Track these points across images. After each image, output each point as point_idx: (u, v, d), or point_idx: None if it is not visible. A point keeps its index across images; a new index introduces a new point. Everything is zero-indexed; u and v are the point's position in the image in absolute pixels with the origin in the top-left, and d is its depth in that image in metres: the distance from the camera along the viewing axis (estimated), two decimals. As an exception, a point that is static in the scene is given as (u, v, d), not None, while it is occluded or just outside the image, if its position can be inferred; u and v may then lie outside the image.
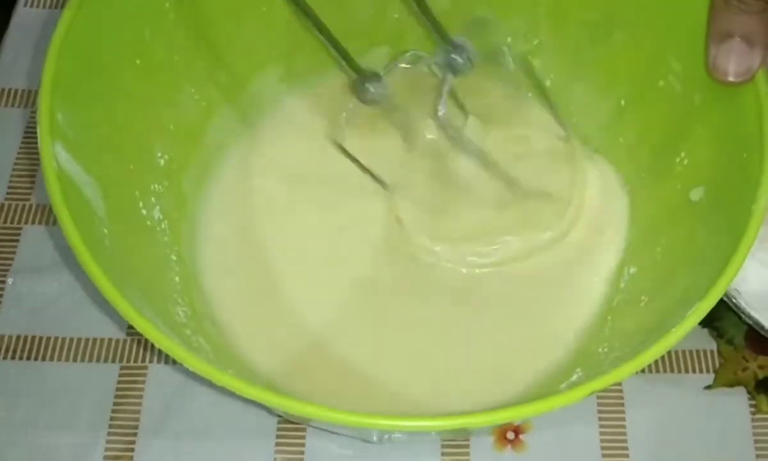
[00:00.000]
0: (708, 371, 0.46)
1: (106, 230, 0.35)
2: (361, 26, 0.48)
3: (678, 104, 0.42)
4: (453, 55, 0.43)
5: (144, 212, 0.40)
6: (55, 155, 0.32)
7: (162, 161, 0.43)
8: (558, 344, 0.44)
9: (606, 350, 0.39)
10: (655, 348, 0.30)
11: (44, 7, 0.58)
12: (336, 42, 0.40)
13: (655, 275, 0.41)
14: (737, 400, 0.45)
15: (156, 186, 0.42)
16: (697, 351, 0.47)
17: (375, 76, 0.43)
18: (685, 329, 0.31)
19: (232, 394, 0.43)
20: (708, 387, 0.45)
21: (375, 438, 0.40)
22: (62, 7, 0.56)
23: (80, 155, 0.34)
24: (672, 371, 0.46)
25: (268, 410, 0.44)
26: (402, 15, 0.49)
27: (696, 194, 0.40)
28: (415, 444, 0.44)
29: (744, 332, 0.46)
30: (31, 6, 0.58)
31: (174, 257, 0.42)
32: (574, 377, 0.39)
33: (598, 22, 0.45)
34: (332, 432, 0.43)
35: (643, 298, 0.40)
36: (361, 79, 0.43)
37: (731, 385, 0.45)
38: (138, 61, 0.40)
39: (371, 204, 0.48)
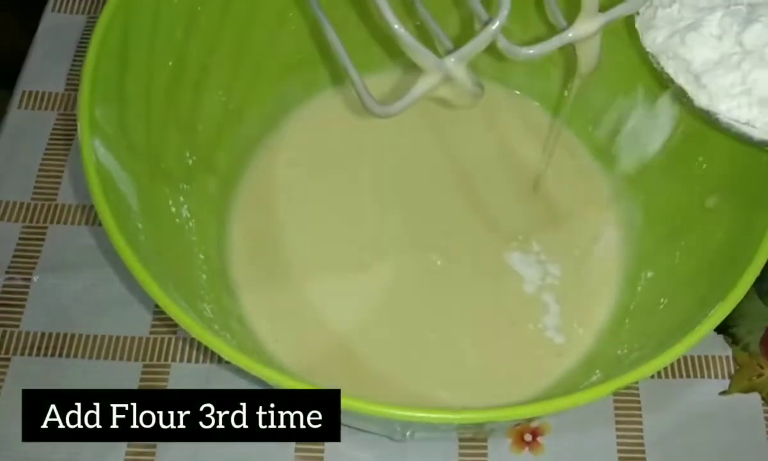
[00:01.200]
0: (723, 377, 0.46)
1: (140, 226, 0.35)
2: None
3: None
4: None
5: (173, 210, 0.41)
6: (95, 150, 0.33)
7: (191, 161, 0.44)
8: (577, 346, 0.44)
9: (625, 351, 0.40)
10: (676, 348, 0.31)
11: (72, 12, 0.59)
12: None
13: (675, 279, 0.41)
14: (752, 406, 0.45)
15: (184, 185, 0.43)
16: (713, 357, 0.47)
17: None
18: (706, 328, 0.31)
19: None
20: (723, 393, 0.46)
21: (399, 431, 0.40)
22: (89, 12, 0.58)
23: (117, 150, 0.35)
24: (688, 376, 0.46)
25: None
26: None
27: (713, 199, 0.40)
28: (433, 442, 0.44)
29: (759, 339, 0.47)
30: (59, 11, 0.59)
31: (202, 256, 0.43)
32: (594, 378, 0.40)
33: (616, 25, 0.46)
34: (355, 430, 0.43)
35: (662, 301, 0.41)
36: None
37: (746, 391, 0.46)
38: (170, 62, 0.41)
39: (395, 199, 0.49)
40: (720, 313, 0.32)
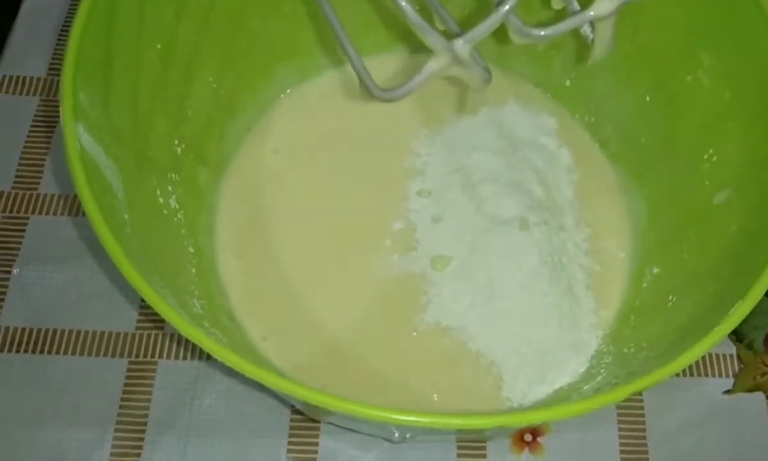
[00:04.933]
0: (728, 375, 0.46)
1: (126, 216, 0.34)
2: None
3: (707, 100, 0.41)
4: None
5: (161, 200, 0.40)
6: (78, 136, 0.32)
7: (179, 150, 0.42)
8: (578, 347, 0.43)
9: (632, 350, 0.39)
10: (695, 349, 0.30)
11: (54, -6, 0.57)
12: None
13: (684, 275, 0.40)
14: (757, 405, 0.45)
15: (172, 175, 0.41)
16: (717, 356, 0.46)
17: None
18: (727, 328, 0.30)
19: (243, 391, 0.43)
20: (727, 392, 0.45)
21: (396, 436, 0.39)
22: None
23: (101, 136, 0.34)
24: (692, 375, 0.45)
25: (281, 408, 0.43)
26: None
27: (724, 193, 0.39)
28: (431, 444, 0.43)
29: (763, 337, 0.46)
30: (41, -6, 0.57)
31: (192, 249, 0.41)
32: (599, 378, 0.39)
33: (622, 13, 0.45)
34: (348, 431, 0.42)
35: (670, 298, 0.39)
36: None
37: (750, 390, 0.45)
38: (159, 45, 0.40)
39: (389, 189, 0.47)
40: (740, 312, 0.31)
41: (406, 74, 0.29)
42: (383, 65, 0.47)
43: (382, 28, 0.49)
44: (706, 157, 0.41)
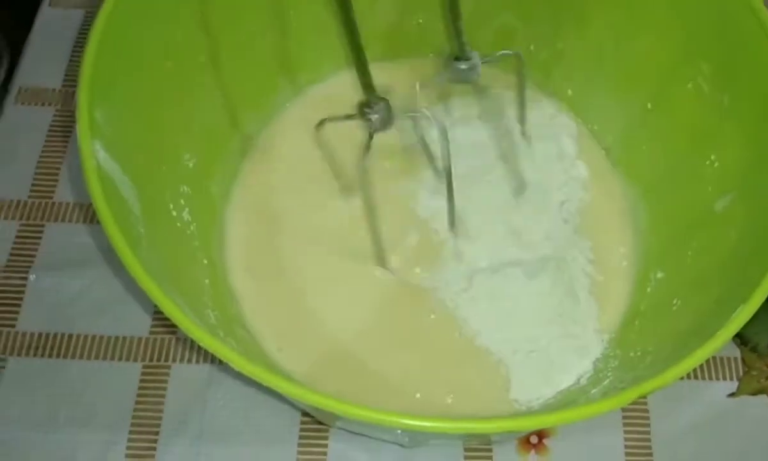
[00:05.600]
0: (732, 378, 0.46)
1: (142, 230, 0.34)
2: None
3: (707, 106, 0.41)
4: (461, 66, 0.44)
5: (174, 213, 0.40)
6: (95, 153, 0.32)
7: (190, 164, 0.43)
8: (584, 351, 0.43)
9: (639, 354, 0.39)
10: (698, 353, 0.30)
11: (68, 7, 0.58)
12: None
13: (687, 279, 0.40)
14: (761, 408, 0.45)
15: (184, 188, 0.42)
16: (721, 359, 0.46)
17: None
18: (731, 331, 0.31)
19: (254, 395, 0.44)
20: (732, 395, 0.45)
21: (407, 441, 0.39)
22: (85, 6, 0.57)
23: (117, 153, 0.34)
24: (696, 378, 0.46)
25: (291, 412, 0.44)
26: (425, 20, 0.49)
27: (726, 199, 0.40)
28: (437, 448, 0.44)
29: (767, 340, 0.46)
30: (56, 6, 0.58)
31: (205, 261, 0.42)
32: (606, 381, 0.39)
33: (623, 22, 0.45)
34: (358, 435, 0.43)
35: (675, 302, 0.40)
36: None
37: (755, 393, 0.45)
38: (169, 63, 0.40)
39: (395, 197, 0.48)
40: (743, 315, 0.31)
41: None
42: (383, 73, 0.48)
43: (383, 38, 0.50)
44: (707, 163, 0.41)
